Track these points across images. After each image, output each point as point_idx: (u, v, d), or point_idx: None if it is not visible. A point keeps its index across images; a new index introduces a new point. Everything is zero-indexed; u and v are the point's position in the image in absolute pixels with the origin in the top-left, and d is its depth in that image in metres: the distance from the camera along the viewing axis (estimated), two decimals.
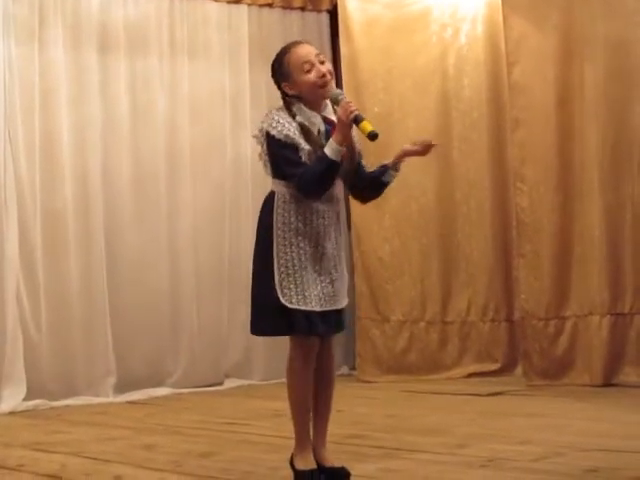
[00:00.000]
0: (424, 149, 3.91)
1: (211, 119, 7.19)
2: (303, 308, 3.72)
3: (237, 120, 7.23)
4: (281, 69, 3.81)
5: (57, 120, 6.54)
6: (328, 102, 3.84)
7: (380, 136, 3.62)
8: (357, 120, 3.65)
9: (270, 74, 3.87)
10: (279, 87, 3.84)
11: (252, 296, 3.84)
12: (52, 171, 6.52)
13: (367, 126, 3.64)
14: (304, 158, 3.71)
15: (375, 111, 7.08)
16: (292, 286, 3.73)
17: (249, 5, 7.39)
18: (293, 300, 3.72)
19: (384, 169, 3.90)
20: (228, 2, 7.29)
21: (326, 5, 7.71)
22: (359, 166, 3.92)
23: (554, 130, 6.39)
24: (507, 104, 6.71)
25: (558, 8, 6.38)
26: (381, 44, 7.25)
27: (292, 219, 3.78)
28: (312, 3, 7.67)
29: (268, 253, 3.76)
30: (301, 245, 3.77)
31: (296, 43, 3.87)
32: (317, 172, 3.68)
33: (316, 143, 3.74)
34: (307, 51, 3.80)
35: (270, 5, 7.48)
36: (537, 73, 6.42)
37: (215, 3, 7.26)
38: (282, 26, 7.48)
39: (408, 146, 3.92)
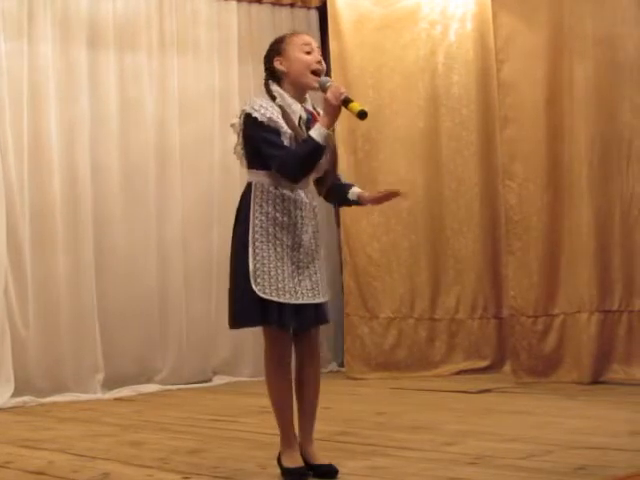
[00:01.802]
0: (379, 199, 3.90)
1: (200, 115, 7.18)
2: (276, 299, 3.69)
3: (226, 116, 7.18)
4: (278, 45, 3.84)
5: (46, 115, 6.52)
6: (308, 97, 3.87)
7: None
8: (346, 102, 3.68)
9: (263, 56, 3.87)
10: (269, 66, 3.83)
11: (229, 289, 3.82)
12: (41, 167, 6.50)
13: (356, 106, 3.68)
14: (286, 142, 3.71)
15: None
16: (266, 276, 3.70)
17: (238, 1, 7.38)
18: (267, 290, 3.69)
19: (350, 188, 3.93)
20: None
21: (315, 2, 7.70)
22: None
23: (543, 127, 6.39)
24: (496, 102, 6.70)
25: (547, 5, 6.38)
26: (370, 41, 7.24)
27: (270, 209, 3.76)
28: (302, 0, 7.66)
29: (244, 242, 3.74)
30: (278, 236, 3.75)
31: (301, 32, 3.99)
32: (301, 154, 3.67)
33: (296, 130, 3.73)
34: (310, 39, 3.87)
35: (259, 2, 7.47)
36: (526, 71, 6.42)
37: None
38: (271, 23, 7.46)
39: (374, 195, 3.90)
